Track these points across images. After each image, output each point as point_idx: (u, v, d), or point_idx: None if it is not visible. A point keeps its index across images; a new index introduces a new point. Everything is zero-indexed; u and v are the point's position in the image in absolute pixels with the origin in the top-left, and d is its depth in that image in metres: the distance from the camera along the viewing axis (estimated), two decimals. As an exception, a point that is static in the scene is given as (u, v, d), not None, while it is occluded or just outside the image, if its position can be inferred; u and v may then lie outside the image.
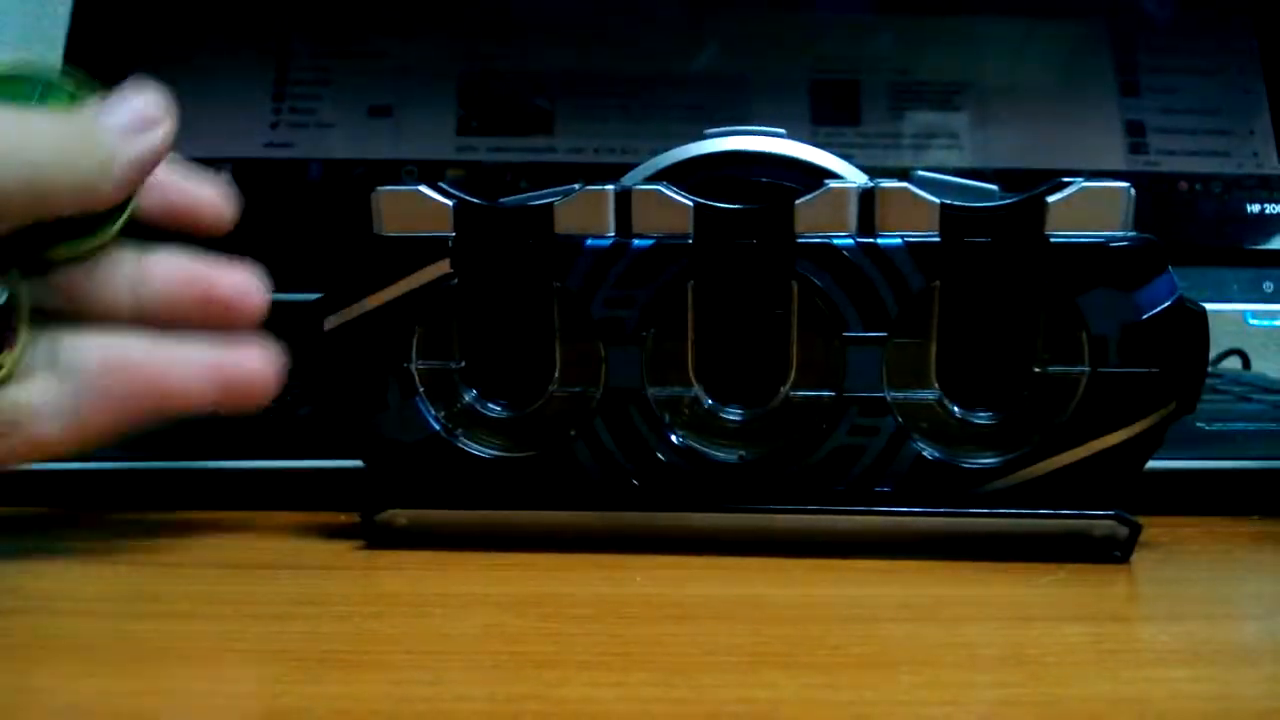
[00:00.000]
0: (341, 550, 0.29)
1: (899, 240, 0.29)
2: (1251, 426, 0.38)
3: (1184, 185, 0.48)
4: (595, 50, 0.49)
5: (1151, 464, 0.30)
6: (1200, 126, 0.49)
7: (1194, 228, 0.48)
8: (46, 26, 0.62)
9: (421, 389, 0.30)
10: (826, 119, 0.48)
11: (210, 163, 0.47)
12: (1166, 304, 0.28)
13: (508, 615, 0.24)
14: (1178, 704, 0.19)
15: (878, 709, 0.19)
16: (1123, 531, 0.29)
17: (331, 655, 0.21)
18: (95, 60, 0.48)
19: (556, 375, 0.30)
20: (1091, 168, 0.48)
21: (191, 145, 0.47)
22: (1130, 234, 0.28)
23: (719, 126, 0.33)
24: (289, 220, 0.47)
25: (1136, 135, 0.48)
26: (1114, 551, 0.29)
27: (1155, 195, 0.48)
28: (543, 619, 0.24)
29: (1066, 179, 0.28)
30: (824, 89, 0.49)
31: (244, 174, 0.47)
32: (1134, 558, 0.29)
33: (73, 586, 0.26)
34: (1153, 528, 0.32)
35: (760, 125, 0.33)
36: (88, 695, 0.19)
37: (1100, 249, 0.28)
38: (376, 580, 0.27)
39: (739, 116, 0.48)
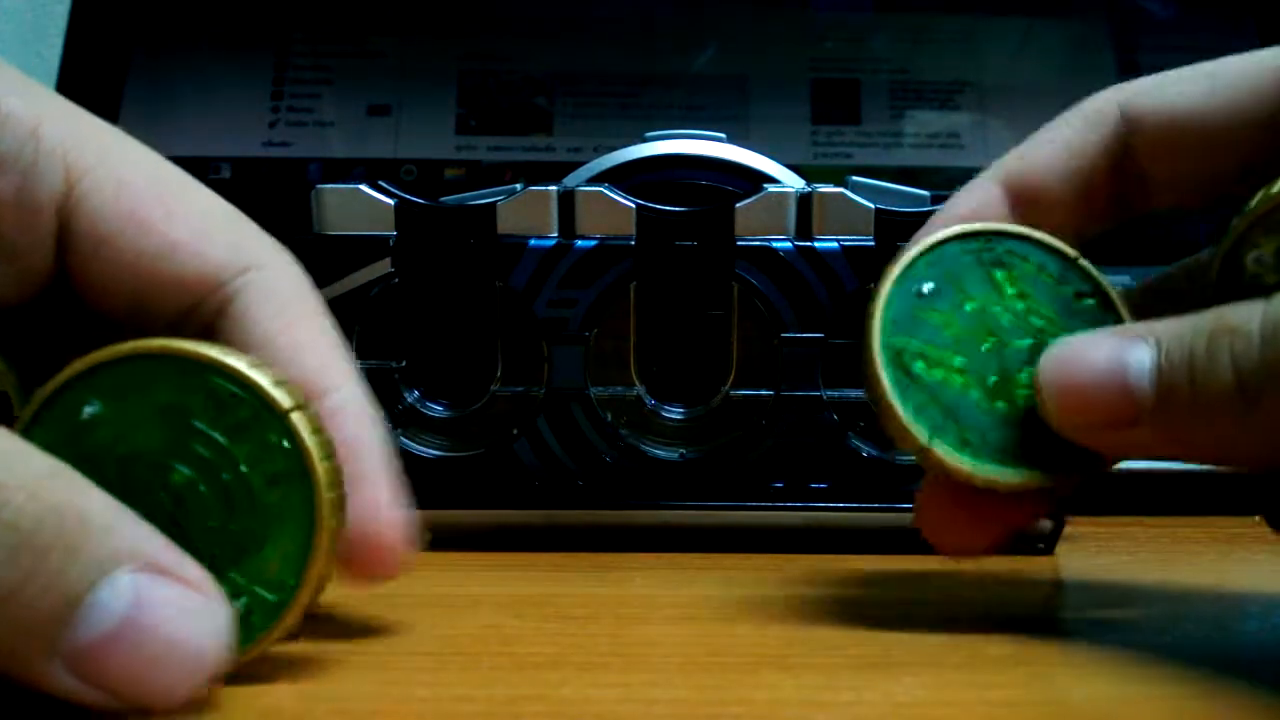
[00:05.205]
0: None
1: (835, 244, 0.30)
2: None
3: (1184, 185, 0.48)
4: (595, 50, 0.49)
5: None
6: (1201, 126, 0.48)
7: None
8: (45, 25, 0.62)
9: None
10: (826, 119, 0.48)
11: (209, 162, 0.47)
12: None
13: (508, 615, 0.24)
14: (1178, 704, 0.19)
15: (878, 709, 0.18)
16: (1047, 525, 0.29)
17: (330, 655, 0.21)
18: (94, 60, 0.48)
19: (499, 375, 0.30)
20: (1092, 167, 0.48)
21: (190, 144, 0.48)
22: None
23: (659, 130, 0.33)
24: (288, 220, 0.47)
25: (1137, 135, 0.48)
26: (1038, 544, 0.30)
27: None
28: (543, 619, 0.24)
29: None
30: (824, 89, 0.49)
31: (242, 173, 0.47)
32: (1135, 557, 0.29)
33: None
34: (1154, 528, 0.32)
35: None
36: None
37: None
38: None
39: (739, 116, 0.48)
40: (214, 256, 0.21)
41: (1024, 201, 0.24)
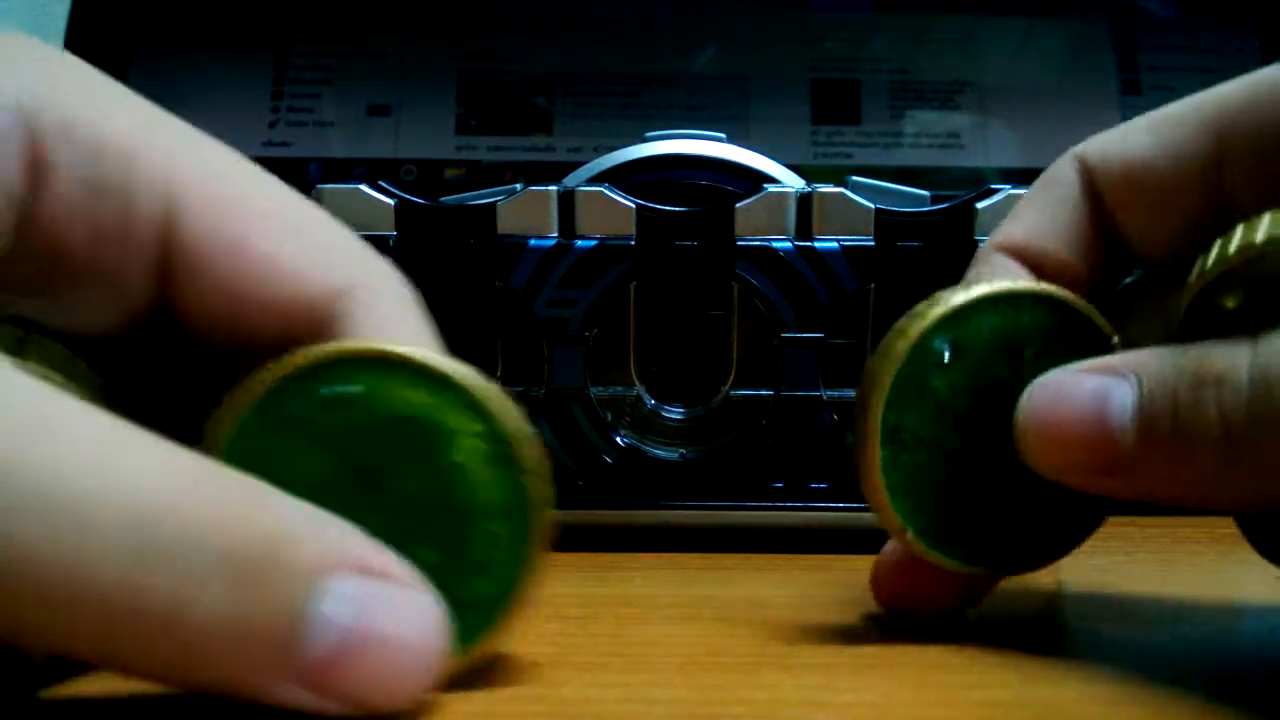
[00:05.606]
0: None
1: (835, 244, 0.30)
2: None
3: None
4: (595, 50, 0.49)
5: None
6: (1200, 126, 0.48)
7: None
8: (45, 25, 0.62)
9: None
10: (826, 119, 0.48)
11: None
12: None
13: (507, 615, 0.24)
14: (1176, 705, 0.19)
15: (878, 709, 0.19)
16: None
17: (331, 655, 0.21)
18: (94, 60, 0.48)
19: (499, 375, 0.30)
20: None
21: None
22: None
23: (659, 130, 0.34)
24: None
25: (1137, 135, 0.48)
26: None
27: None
28: (543, 619, 0.24)
29: (995, 186, 0.30)
30: (824, 89, 0.49)
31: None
32: (1133, 557, 0.29)
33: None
34: (1153, 528, 0.32)
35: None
36: (92, 697, 0.19)
37: None
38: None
39: (739, 116, 0.48)
40: (316, 279, 0.20)
41: (1028, 268, 0.23)
